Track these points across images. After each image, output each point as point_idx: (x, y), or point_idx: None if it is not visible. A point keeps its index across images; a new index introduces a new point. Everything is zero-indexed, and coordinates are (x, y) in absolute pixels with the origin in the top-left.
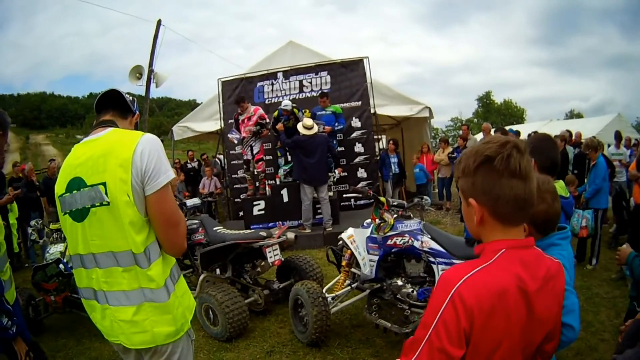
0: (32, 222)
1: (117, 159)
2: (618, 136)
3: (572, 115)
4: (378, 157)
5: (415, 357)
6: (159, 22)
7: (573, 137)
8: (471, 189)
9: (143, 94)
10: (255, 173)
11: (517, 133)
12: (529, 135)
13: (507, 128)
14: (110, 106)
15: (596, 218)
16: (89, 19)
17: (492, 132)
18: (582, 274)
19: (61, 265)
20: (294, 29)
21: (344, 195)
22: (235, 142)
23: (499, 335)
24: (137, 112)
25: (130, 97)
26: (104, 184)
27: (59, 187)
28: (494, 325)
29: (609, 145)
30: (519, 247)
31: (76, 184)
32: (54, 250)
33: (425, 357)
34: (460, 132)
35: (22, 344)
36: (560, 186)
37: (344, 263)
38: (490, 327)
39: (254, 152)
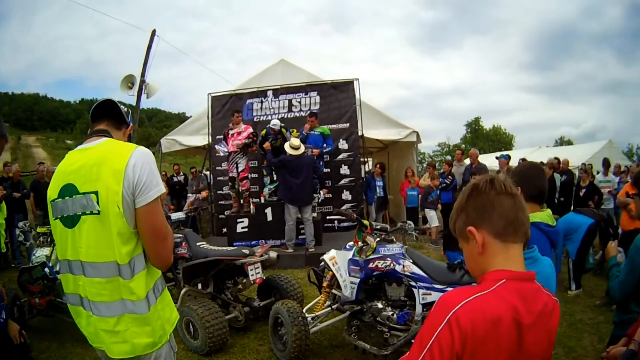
0: (20, 224)
1: (109, 169)
2: (606, 163)
3: (562, 141)
4: (364, 180)
5: None
6: (153, 32)
7: (561, 164)
8: (466, 219)
9: (134, 103)
10: (240, 191)
11: (508, 157)
12: (519, 161)
13: (498, 154)
14: (106, 116)
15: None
16: (86, 24)
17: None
18: (566, 300)
19: (46, 269)
20: (287, 46)
21: (328, 217)
22: (222, 154)
23: None
24: (131, 124)
25: (125, 109)
26: (96, 192)
27: (52, 192)
28: (484, 353)
29: (597, 172)
30: (519, 279)
31: (69, 190)
32: (40, 253)
33: None
34: (448, 157)
35: (14, 325)
36: (547, 215)
37: (325, 284)
38: (480, 354)
39: (239, 169)
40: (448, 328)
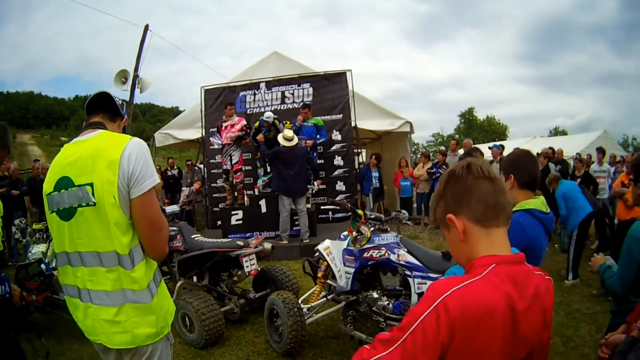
0: (16, 221)
1: (105, 161)
2: (601, 151)
3: (557, 132)
4: (357, 171)
5: (385, 355)
6: (146, 27)
7: (555, 154)
8: (445, 207)
9: (127, 98)
10: (234, 183)
11: (502, 147)
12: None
13: (491, 144)
14: (101, 108)
15: (570, 235)
16: (81, 21)
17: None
18: (563, 290)
19: (42, 266)
20: (281, 40)
21: (322, 208)
22: (216, 146)
23: (481, 351)
24: (126, 116)
25: (120, 101)
26: (91, 184)
27: (48, 186)
28: (478, 339)
29: (593, 162)
30: (509, 262)
31: (64, 183)
32: (36, 250)
33: (396, 358)
34: (442, 147)
35: (15, 291)
36: (541, 201)
37: (320, 274)
38: (474, 340)
39: (233, 162)
40: (435, 314)
